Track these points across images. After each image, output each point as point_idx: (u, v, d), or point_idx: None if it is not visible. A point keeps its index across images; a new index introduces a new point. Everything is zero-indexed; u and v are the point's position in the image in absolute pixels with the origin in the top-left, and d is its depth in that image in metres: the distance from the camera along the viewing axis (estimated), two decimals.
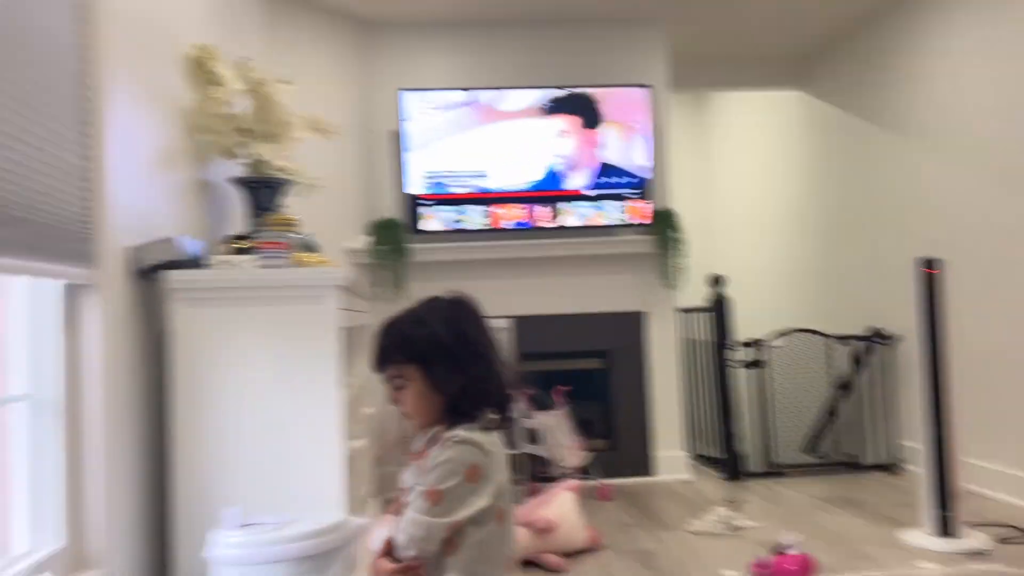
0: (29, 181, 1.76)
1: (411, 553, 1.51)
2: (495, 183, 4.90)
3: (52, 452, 2.07)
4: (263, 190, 3.07)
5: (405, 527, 1.52)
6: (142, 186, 2.50)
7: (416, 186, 4.84)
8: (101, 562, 2.10)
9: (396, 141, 4.91)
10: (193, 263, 2.54)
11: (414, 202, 4.84)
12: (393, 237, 4.81)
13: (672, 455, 5.02)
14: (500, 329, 5.23)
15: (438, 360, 1.55)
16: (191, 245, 2.55)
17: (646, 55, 5.18)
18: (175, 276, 2.46)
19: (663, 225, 5.00)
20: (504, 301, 4.62)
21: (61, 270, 1.98)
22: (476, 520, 1.51)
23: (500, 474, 1.55)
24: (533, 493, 4.01)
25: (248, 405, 2.47)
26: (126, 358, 2.32)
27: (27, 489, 2.03)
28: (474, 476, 1.50)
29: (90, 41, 2.13)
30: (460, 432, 1.53)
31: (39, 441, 2.05)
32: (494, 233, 4.91)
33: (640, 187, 4.99)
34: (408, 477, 1.66)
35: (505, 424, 1.61)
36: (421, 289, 5.43)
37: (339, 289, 2.53)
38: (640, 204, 4.98)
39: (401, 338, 1.60)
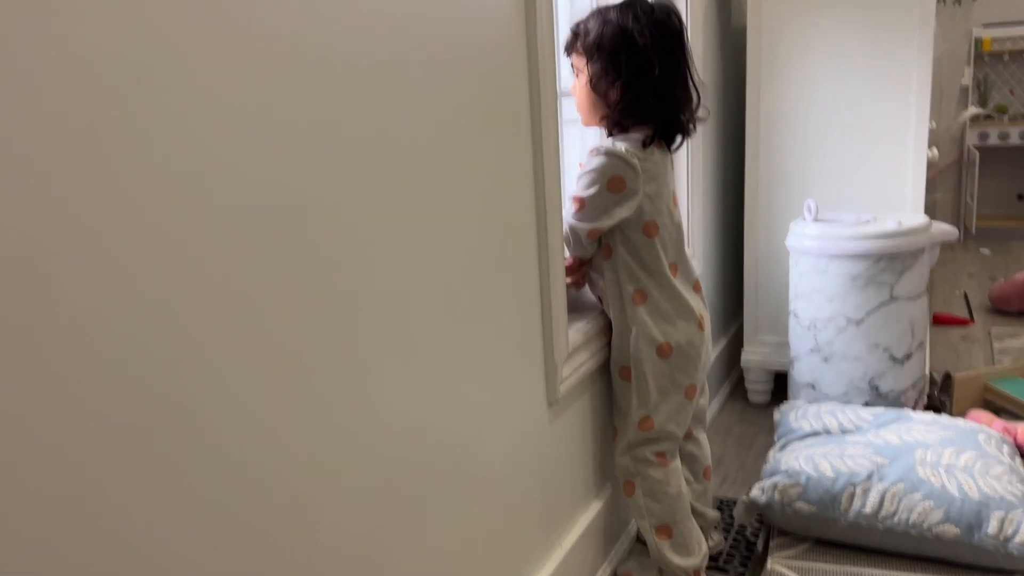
0: None
1: (567, 253, 1.55)
2: None
3: None
4: None
5: (564, 228, 1.51)
6: None
7: None
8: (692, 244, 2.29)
9: None
10: None
11: None
12: None
13: None
14: None
15: (605, 63, 1.49)
16: None
17: None
18: None
19: None
20: None
21: None
22: (623, 229, 1.53)
23: (651, 187, 1.52)
24: None
25: (826, 98, 2.39)
26: (709, 50, 2.36)
27: None
28: (616, 186, 1.49)
29: None
30: (607, 144, 1.51)
31: None
32: None
33: None
34: None
35: (668, 145, 1.57)
36: None
37: None
38: None
39: (583, 28, 1.53)
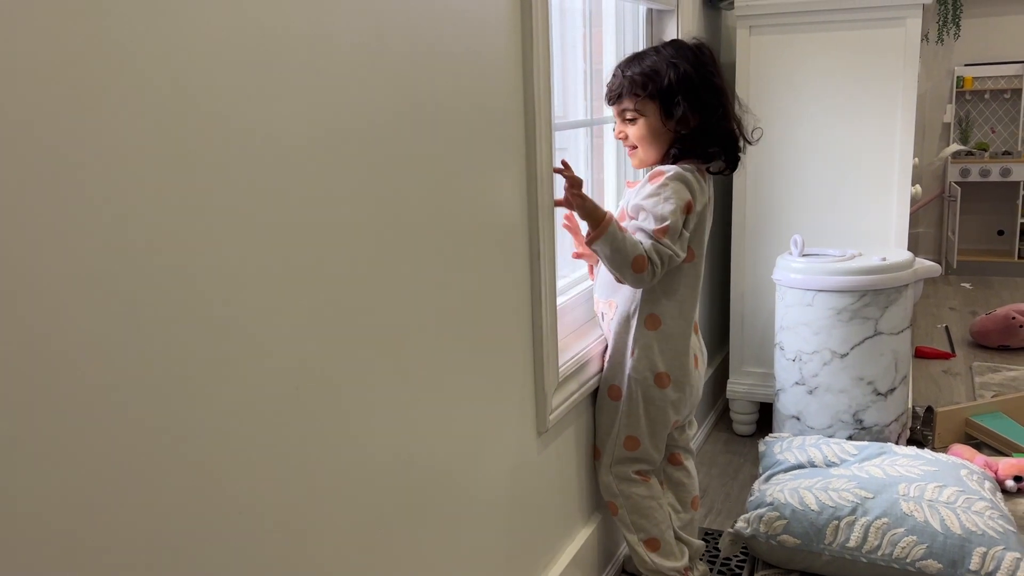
0: None
1: (640, 277, 1.49)
2: None
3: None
4: None
5: (650, 253, 1.48)
6: None
7: None
8: None
9: None
10: None
11: None
12: None
13: None
14: None
15: (681, 100, 1.54)
16: None
17: None
18: (743, 3, 2.41)
19: None
20: None
21: None
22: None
23: (699, 216, 1.57)
24: None
25: (813, 134, 2.43)
26: None
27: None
28: (688, 209, 1.53)
29: None
30: (675, 168, 1.55)
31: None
32: None
33: None
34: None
35: (727, 170, 1.64)
36: (978, 26, 4.78)
37: (923, 10, 2.26)
38: None
39: (648, 74, 1.56)
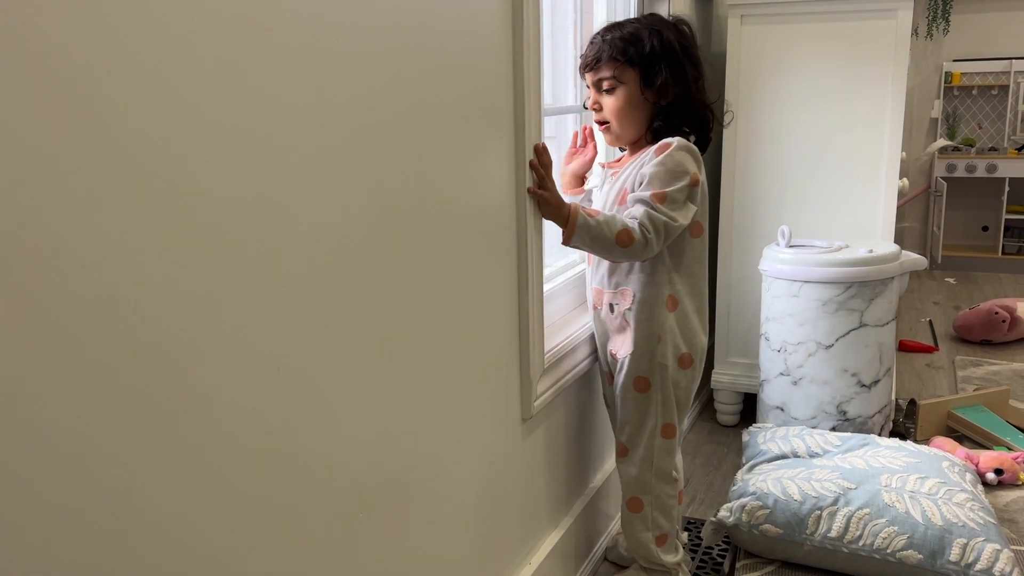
0: None
1: (630, 250, 1.44)
2: None
3: None
4: None
5: (642, 220, 1.43)
6: None
7: None
8: None
9: None
10: None
11: None
12: None
13: None
14: None
15: (663, 67, 1.50)
16: None
17: None
18: None
19: None
20: None
21: None
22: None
23: (702, 188, 1.54)
24: None
25: (802, 125, 2.42)
26: None
27: None
28: (695, 181, 1.49)
29: None
30: (680, 139, 1.49)
31: None
32: None
33: None
34: (597, 179, 1.66)
35: (704, 148, 1.58)
36: (967, 22, 4.79)
37: (914, 2, 2.26)
38: None
39: (629, 39, 1.51)
